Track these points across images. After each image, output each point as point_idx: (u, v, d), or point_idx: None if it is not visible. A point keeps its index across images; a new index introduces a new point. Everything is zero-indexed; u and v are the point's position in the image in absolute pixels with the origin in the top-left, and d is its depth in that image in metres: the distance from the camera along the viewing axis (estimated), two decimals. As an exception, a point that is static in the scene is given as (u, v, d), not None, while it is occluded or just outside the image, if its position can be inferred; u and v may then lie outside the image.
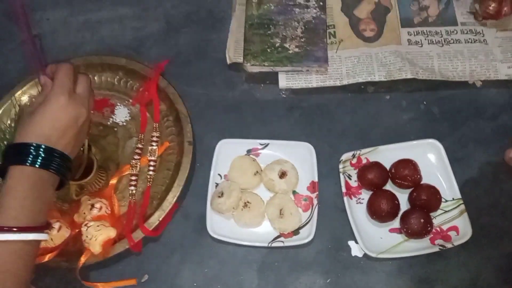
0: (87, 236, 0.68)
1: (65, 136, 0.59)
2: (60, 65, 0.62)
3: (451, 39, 0.83)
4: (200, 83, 0.85)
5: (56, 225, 0.70)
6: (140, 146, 0.79)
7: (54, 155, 0.57)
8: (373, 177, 0.73)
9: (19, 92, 0.82)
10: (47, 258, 0.68)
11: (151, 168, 0.77)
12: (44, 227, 0.57)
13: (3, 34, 0.92)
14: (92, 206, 0.71)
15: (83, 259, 0.68)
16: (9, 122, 0.80)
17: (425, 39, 0.83)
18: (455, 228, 0.70)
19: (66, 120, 0.59)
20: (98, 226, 0.69)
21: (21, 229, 0.53)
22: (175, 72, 0.84)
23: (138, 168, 0.77)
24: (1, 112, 0.81)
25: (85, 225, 0.69)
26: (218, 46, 0.87)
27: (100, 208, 0.72)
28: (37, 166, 0.56)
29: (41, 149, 0.56)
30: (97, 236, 0.68)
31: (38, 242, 0.56)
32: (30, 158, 0.55)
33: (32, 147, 0.56)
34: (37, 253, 0.58)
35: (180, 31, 0.91)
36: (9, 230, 0.52)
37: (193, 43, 0.89)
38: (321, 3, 0.85)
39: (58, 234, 0.69)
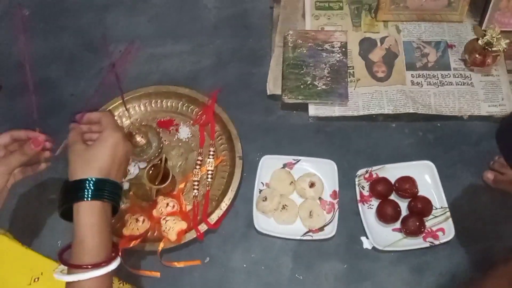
0: (166, 227, 0.91)
1: (120, 168, 0.68)
2: (104, 112, 0.73)
3: (445, 81, 1.05)
4: (245, 109, 1.06)
5: (141, 218, 0.92)
6: (200, 158, 1.01)
7: (116, 187, 0.66)
8: (381, 189, 0.95)
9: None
10: (133, 244, 0.90)
11: (209, 176, 0.99)
12: (115, 256, 0.64)
13: (85, 63, 1.14)
14: (167, 204, 0.94)
15: (162, 245, 0.90)
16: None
17: (425, 81, 1.05)
18: (442, 230, 0.93)
19: (121, 154, 0.67)
20: (173, 220, 0.91)
21: (108, 262, 0.61)
22: (224, 99, 1.06)
23: (199, 176, 0.99)
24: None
25: (164, 219, 0.92)
26: (259, 79, 1.09)
27: (173, 206, 0.94)
28: (104, 199, 0.62)
29: (108, 183, 0.63)
30: (174, 227, 0.90)
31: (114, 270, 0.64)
32: (98, 193, 0.61)
33: (97, 182, 0.62)
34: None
35: (228, 65, 1.13)
36: (98, 265, 0.60)
37: (239, 75, 1.11)
38: (343, 49, 1.07)
39: (142, 225, 0.92)
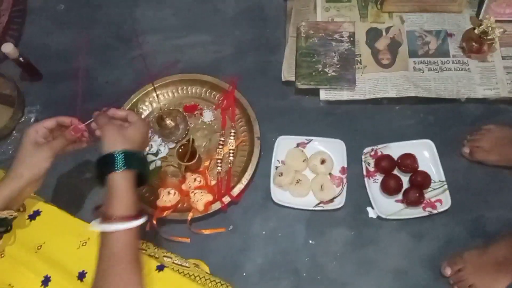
0: (194, 199, 1.03)
1: (145, 143, 0.83)
2: (130, 111, 0.87)
3: (445, 67, 1.15)
4: (262, 94, 1.18)
5: (172, 191, 1.05)
6: (222, 139, 1.13)
7: (142, 158, 0.79)
8: (385, 165, 1.07)
9: (135, 99, 1.16)
10: (165, 214, 1.03)
11: (231, 155, 1.11)
12: (141, 214, 0.74)
13: (117, 53, 1.26)
14: (194, 179, 1.06)
15: (191, 214, 1.03)
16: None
17: (426, 67, 1.15)
18: (439, 201, 1.04)
19: (146, 133, 0.83)
20: (201, 192, 1.04)
21: (137, 216, 0.72)
22: (243, 86, 1.17)
23: (222, 155, 1.11)
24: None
25: (192, 192, 1.04)
26: (275, 66, 1.20)
27: (200, 181, 1.06)
28: (133, 168, 0.73)
29: (137, 156, 0.76)
30: (201, 199, 1.03)
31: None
32: (131, 163, 0.73)
33: (129, 154, 0.74)
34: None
35: (246, 54, 1.24)
36: (133, 217, 0.71)
37: (256, 63, 1.23)
38: (351, 39, 1.17)
39: (173, 197, 1.04)
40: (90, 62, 1.25)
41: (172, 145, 1.13)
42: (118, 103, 1.11)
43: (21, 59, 1.16)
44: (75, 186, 1.10)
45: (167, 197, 1.05)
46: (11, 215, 0.81)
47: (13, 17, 1.28)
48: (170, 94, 1.18)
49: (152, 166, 1.10)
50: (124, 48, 1.27)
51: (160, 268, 0.85)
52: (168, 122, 1.10)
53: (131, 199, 0.73)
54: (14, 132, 1.18)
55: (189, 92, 1.18)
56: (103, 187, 0.74)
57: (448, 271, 0.98)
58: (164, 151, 1.12)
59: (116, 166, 0.72)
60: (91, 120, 0.85)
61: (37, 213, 0.94)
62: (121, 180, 0.73)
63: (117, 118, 0.84)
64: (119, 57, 1.26)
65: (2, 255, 0.88)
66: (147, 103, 1.17)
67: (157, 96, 1.14)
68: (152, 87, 1.13)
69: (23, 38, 1.30)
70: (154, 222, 1.02)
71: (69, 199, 1.08)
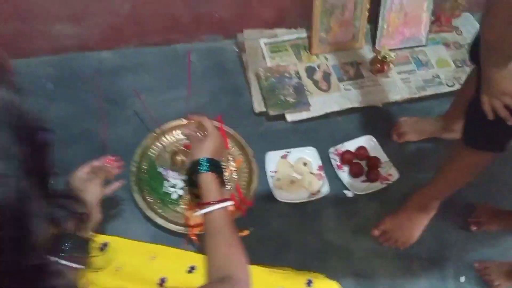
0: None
1: (219, 152, 1.06)
2: (203, 117, 1.09)
3: (364, 85, 1.62)
4: (241, 125, 1.49)
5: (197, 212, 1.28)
6: (224, 164, 1.41)
7: (220, 164, 1.04)
8: (348, 157, 1.46)
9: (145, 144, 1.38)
10: (200, 229, 1.26)
11: (235, 173, 1.39)
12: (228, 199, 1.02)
13: (113, 114, 1.47)
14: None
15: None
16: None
17: (352, 87, 1.61)
18: (390, 174, 1.45)
19: (221, 144, 1.07)
20: (225, 204, 1.29)
21: (225, 200, 0.90)
22: (226, 122, 1.47)
23: (227, 175, 1.39)
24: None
25: (218, 205, 1.29)
26: (245, 103, 1.55)
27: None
28: (217, 172, 0.94)
29: (216, 162, 1.01)
30: (228, 208, 1.28)
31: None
32: (213, 167, 0.92)
33: (211, 161, 0.94)
34: None
35: (220, 99, 1.56)
36: (226, 200, 0.91)
37: (230, 104, 1.55)
38: (297, 75, 1.58)
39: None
40: (90, 124, 1.43)
41: (185, 177, 1.37)
42: (123, 155, 1.31)
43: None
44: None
45: (195, 217, 1.27)
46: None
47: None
48: (172, 137, 1.43)
49: (174, 196, 1.32)
50: (115, 108, 1.49)
51: None
52: (180, 158, 1.35)
53: (218, 190, 0.95)
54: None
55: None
56: (193, 186, 0.97)
57: (376, 232, 1.34)
58: (180, 183, 1.35)
59: (203, 168, 0.94)
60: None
61: (105, 244, 1.11)
62: (208, 178, 0.94)
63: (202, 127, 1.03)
64: (114, 116, 1.47)
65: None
66: (154, 147, 1.40)
67: (161, 138, 1.39)
68: (156, 135, 1.38)
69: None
70: (194, 237, 1.23)
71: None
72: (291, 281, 1.15)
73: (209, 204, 0.92)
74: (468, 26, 1.83)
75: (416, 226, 1.33)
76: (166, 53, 1.66)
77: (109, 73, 1.58)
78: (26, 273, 0.40)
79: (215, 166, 0.98)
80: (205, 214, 0.91)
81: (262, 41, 1.66)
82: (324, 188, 1.41)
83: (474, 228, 1.38)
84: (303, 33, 1.70)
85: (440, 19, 1.77)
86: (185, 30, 1.64)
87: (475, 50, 1.05)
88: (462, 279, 1.32)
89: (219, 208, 0.90)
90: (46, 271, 0.44)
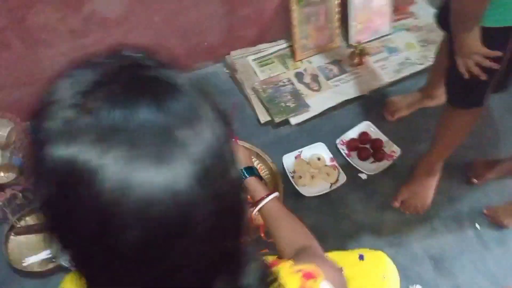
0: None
1: (251, 162, 1.20)
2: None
3: (348, 79, 1.79)
4: (251, 137, 1.61)
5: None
6: (247, 174, 1.52)
7: (256, 169, 1.19)
8: (353, 144, 1.61)
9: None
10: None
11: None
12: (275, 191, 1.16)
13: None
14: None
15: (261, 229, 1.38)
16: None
17: (340, 82, 1.77)
18: (394, 151, 1.62)
19: (247, 155, 1.21)
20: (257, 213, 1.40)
21: (271, 193, 1.09)
22: (240, 136, 1.60)
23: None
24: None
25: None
26: (248, 117, 1.67)
27: (254, 204, 1.43)
28: (255, 175, 1.16)
29: (251, 168, 1.17)
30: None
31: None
32: (253, 173, 1.14)
33: (247, 168, 1.14)
34: None
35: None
36: (273, 192, 1.10)
37: (236, 120, 1.67)
38: (290, 82, 1.73)
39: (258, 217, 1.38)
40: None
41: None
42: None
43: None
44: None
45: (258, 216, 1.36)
46: None
47: None
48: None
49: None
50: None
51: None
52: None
53: (264, 188, 1.08)
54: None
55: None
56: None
57: (396, 204, 1.51)
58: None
59: (246, 174, 1.09)
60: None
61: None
62: (252, 181, 1.08)
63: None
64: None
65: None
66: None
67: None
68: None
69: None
70: (262, 234, 1.33)
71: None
72: (345, 260, 1.26)
73: (261, 199, 1.04)
74: (422, 10, 2.06)
75: (428, 190, 1.50)
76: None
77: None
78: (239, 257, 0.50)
79: (252, 172, 1.11)
80: (261, 209, 1.04)
81: (250, 58, 1.80)
82: (341, 176, 1.55)
83: (475, 181, 1.57)
84: (283, 44, 1.86)
85: (399, 8, 1.98)
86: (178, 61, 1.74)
87: (442, 18, 1.24)
88: (478, 226, 1.50)
89: (270, 199, 1.03)
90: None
